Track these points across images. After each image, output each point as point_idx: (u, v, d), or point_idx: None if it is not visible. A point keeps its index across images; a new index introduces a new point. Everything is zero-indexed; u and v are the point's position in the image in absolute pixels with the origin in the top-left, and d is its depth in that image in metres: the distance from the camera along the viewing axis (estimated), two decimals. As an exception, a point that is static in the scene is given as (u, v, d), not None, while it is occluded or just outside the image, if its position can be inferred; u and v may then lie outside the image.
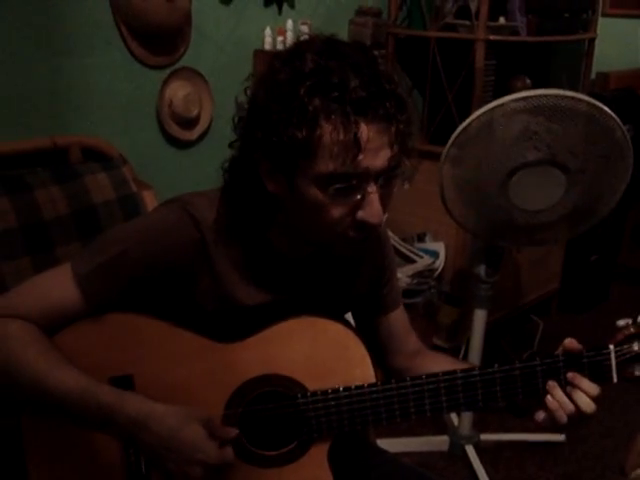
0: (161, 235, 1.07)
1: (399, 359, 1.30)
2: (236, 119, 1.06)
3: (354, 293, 1.23)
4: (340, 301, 1.22)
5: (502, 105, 1.80)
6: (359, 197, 0.97)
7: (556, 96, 1.77)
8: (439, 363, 1.23)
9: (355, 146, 0.92)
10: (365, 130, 0.93)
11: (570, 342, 1.08)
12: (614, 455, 2.38)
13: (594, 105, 1.77)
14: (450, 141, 1.89)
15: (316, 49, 0.96)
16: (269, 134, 0.96)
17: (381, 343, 1.29)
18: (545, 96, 1.77)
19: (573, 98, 1.77)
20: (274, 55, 1.01)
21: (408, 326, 1.32)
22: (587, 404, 1.05)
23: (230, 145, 1.08)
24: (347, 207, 0.98)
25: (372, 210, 0.98)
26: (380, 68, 0.97)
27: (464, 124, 1.86)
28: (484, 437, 2.41)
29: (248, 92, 1.04)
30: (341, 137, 0.92)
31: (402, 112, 0.97)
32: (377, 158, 0.95)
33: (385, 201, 1.00)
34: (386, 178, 0.99)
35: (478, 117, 1.83)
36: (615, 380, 1.07)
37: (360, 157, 0.93)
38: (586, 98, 1.79)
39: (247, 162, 1.04)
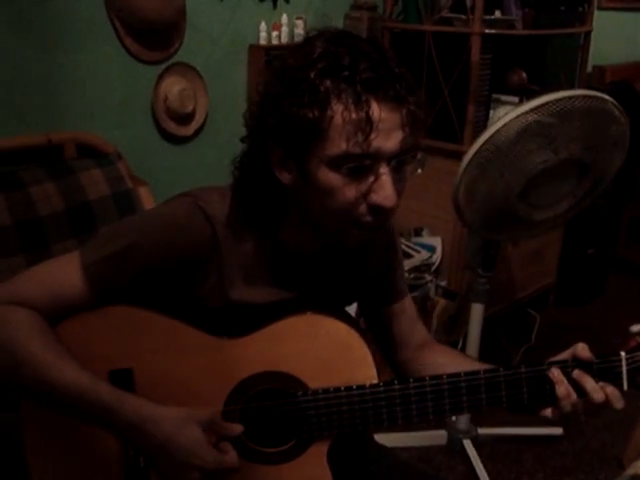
0: (173, 230, 1.05)
1: (407, 351, 1.28)
2: (247, 115, 1.05)
3: (360, 285, 1.23)
4: (346, 294, 1.22)
5: (519, 116, 1.74)
6: (372, 180, 0.97)
7: (570, 98, 1.72)
8: (448, 359, 1.22)
9: (367, 125, 0.92)
10: (377, 109, 0.93)
11: (582, 349, 1.05)
12: (612, 449, 2.39)
13: (601, 98, 1.76)
14: (468, 158, 1.82)
15: (326, 37, 0.98)
16: (281, 118, 0.96)
17: (388, 334, 1.28)
18: (560, 100, 1.72)
19: (585, 96, 1.74)
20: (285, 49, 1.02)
21: (415, 317, 1.31)
22: (595, 389, 1.02)
23: (242, 140, 1.08)
24: (360, 190, 0.97)
25: (385, 192, 0.97)
26: (389, 55, 0.98)
27: (483, 139, 1.78)
28: (482, 431, 2.41)
29: (260, 88, 1.03)
30: (353, 116, 0.92)
31: (412, 94, 0.97)
32: (389, 139, 0.95)
33: (398, 186, 0.99)
34: (399, 162, 0.98)
35: (497, 131, 1.76)
36: (625, 388, 1.03)
37: (372, 136, 0.93)
38: (597, 94, 1.76)
39: (259, 155, 1.03)
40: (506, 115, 1.75)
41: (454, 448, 2.38)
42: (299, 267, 1.13)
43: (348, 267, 1.19)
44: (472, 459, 2.29)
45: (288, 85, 0.96)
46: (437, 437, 2.40)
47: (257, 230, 1.09)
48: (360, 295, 1.28)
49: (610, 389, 1.02)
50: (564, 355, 1.07)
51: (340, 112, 0.93)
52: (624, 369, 1.03)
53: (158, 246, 1.05)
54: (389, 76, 0.95)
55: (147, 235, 1.06)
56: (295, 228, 1.09)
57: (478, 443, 2.37)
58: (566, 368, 1.04)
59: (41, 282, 1.07)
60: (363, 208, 0.99)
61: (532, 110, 1.73)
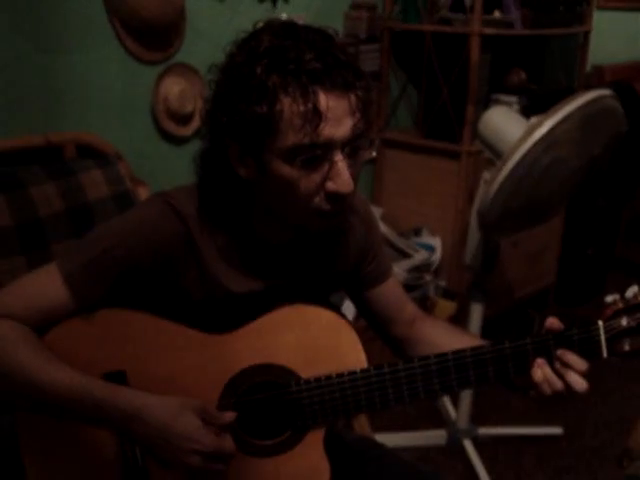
0: (146, 229, 1.07)
1: (398, 328, 1.30)
2: (203, 112, 1.06)
3: (339, 272, 1.24)
4: (327, 281, 1.23)
5: (552, 129, 1.74)
6: (327, 168, 0.98)
7: (590, 101, 1.75)
8: (438, 331, 1.27)
9: (315, 116, 0.94)
10: (324, 99, 0.94)
11: (552, 322, 1.10)
12: (611, 448, 2.39)
13: (610, 96, 1.79)
14: (500, 181, 1.82)
15: (272, 30, 0.99)
16: (233, 116, 0.98)
17: (377, 315, 1.30)
18: (582, 106, 1.74)
19: (599, 98, 1.76)
20: (233, 42, 1.02)
21: (402, 295, 1.32)
22: (576, 380, 1.06)
23: (200, 137, 1.09)
24: (316, 180, 0.99)
25: (341, 179, 0.98)
26: (335, 43, 0.99)
27: (512, 163, 1.78)
28: (482, 431, 2.41)
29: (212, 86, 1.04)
30: (301, 108, 0.94)
31: (360, 80, 0.98)
32: (340, 127, 0.96)
33: (354, 171, 1.01)
34: (352, 147, 1.00)
35: (528, 151, 1.75)
36: (605, 355, 1.07)
37: (322, 126, 0.94)
38: (606, 93, 1.79)
39: (217, 151, 1.05)
40: (535, 132, 1.75)
41: (454, 448, 2.38)
42: (274, 257, 1.14)
43: (324, 255, 1.19)
44: (472, 459, 2.29)
45: (236, 82, 0.97)
46: (437, 437, 2.40)
47: (228, 223, 1.10)
48: (343, 281, 1.28)
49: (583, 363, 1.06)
50: None
51: (288, 105, 0.94)
52: (602, 337, 1.07)
53: (134, 247, 1.06)
54: (336, 64, 0.95)
55: (122, 237, 1.07)
56: (263, 219, 1.10)
57: (478, 443, 2.37)
58: (547, 341, 1.08)
59: (23, 295, 1.08)
60: (321, 197, 1.00)
61: (561, 121, 1.75)
